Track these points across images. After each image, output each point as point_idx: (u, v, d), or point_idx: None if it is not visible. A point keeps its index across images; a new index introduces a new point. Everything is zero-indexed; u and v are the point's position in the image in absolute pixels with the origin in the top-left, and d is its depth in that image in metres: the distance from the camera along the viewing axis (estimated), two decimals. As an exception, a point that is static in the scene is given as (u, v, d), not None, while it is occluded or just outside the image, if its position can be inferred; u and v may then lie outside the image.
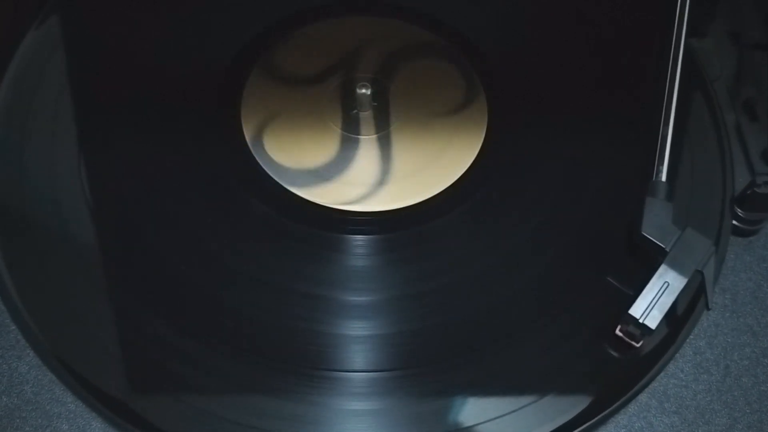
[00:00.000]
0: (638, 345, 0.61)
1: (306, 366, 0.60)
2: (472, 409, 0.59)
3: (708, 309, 0.62)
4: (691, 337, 0.64)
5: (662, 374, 0.62)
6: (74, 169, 0.68)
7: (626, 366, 0.61)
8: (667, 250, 0.60)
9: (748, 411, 0.62)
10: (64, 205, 0.66)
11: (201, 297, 0.63)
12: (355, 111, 0.72)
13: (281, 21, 0.77)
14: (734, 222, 0.68)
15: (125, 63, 0.74)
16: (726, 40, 0.77)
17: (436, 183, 0.69)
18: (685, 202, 0.67)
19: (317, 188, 0.68)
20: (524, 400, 0.59)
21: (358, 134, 0.72)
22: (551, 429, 0.58)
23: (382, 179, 0.69)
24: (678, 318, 0.63)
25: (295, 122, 0.72)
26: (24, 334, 0.61)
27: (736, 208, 0.68)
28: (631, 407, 0.62)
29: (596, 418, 0.59)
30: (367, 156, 0.71)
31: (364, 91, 0.71)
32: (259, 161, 0.69)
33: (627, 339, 0.61)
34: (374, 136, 0.71)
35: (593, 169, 0.70)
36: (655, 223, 0.61)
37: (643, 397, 0.62)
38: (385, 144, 0.71)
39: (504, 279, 0.65)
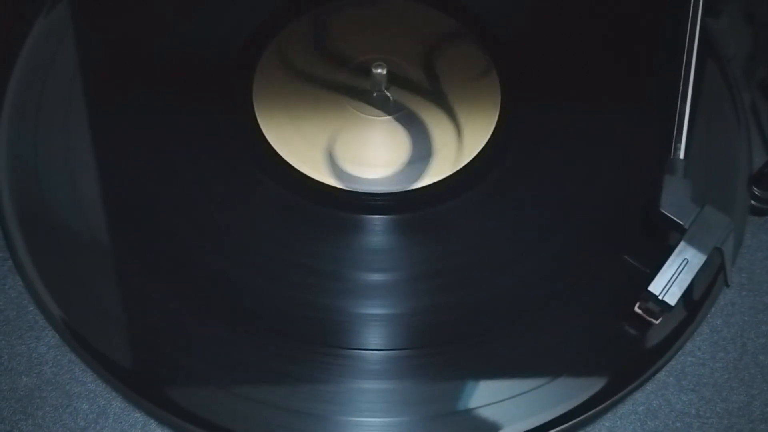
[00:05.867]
0: (657, 322, 0.61)
1: (320, 344, 0.60)
2: (488, 389, 0.59)
3: (727, 286, 0.62)
4: (708, 315, 0.64)
5: (680, 352, 0.62)
6: (88, 155, 0.68)
7: (644, 344, 0.61)
8: (686, 227, 0.60)
9: (765, 388, 0.62)
10: (80, 188, 0.66)
11: (219, 278, 0.63)
12: (370, 91, 0.72)
13: (294, 2, 0.77)
14: (751, 201, 0.68)
15: (135, 47, 0.74)
16: (740, 19, 0.77)
17: (450, 163, 0.69)
18: (702, 181, 0.66)
19: (332, 169, 0.68)
20: (541, 379, 0.60)
21: (373, 115, 0.71)
22: (569, 408, 0.59)
23: (396, 160, 0.69)
24: (696, 296, 0.63)
25: (308, 103, 0.72)
26: (43, 314, 0.62)
27: (753, 187, 0.68)
28: (649, 385, 0.62)
29: (614, 397, 0.59)
30: (382, 137, 0.70)
31: (380, 71, 0.70)
32: (272, 144, 0.69)
33: (646, 316, 0.61)
34: (389, 117, 0.71)
35: (610, 148, 0.70)
36: (674, 201, 0.61)
37: (660, 375, 0.62)
38: (399, 125, 0.71)
39: (520, 258, 0.65)
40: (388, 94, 0.72)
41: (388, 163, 0.69)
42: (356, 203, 0.67)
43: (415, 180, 0.68)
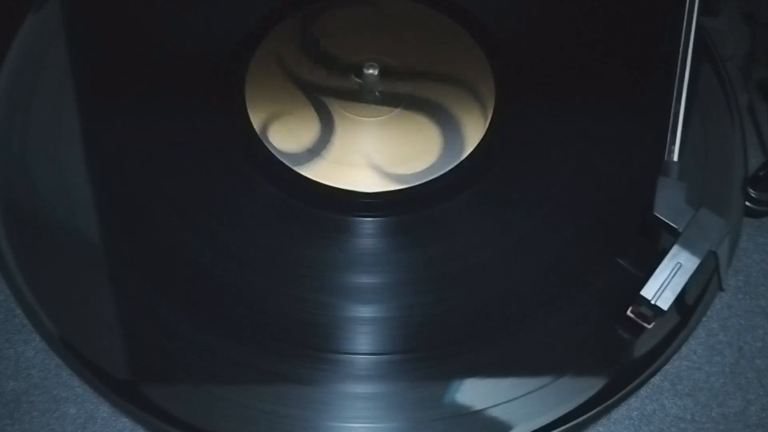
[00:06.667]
0: (650, 326, 0.60)
1: (310, 348, 0.60)
2: (480, 393, 0.59)
3: (721, 290, 0.61)
4: (704, 319, 0.64)
5: (675, 356, 0.62)
6: (78, 154, 0.68)
7: (639, 348, 0.61)
8: (680, 230, 0.59)
9: (761, 393, 0.62)
10: (69, 190, 0.66)
11: (207, 281, 0.62)
12: (362, 92, 0.72)
13: (285, 3, 0.77)
14: (747, 203, 0.67)
15: (126, 47, 0.74)
16: (738, 19, 0.76)
17: (444, 164, 0.68)
18: (698, 183, 0.66)
19: (323, 170, 0.67)
20: (535, 383, 0.59)
21: (365, 115, 0.71)
22: (563, 413, 0.58)
23: (389, 160, 0.68)
24: (690, 300, 0.62)
25: (302, 104, 0.71)
26: (30, 318, 0.61)
27: (748, 189, 0.67)
28: (644, 390, 0.61)
29: (609, 402, 0.59)
30: (373, 137, 0.70)
31: (371, 71, 0.70)
32: (265, 143, 0.68)
33: (639, 320, 0.60)
34: (381, 118, 0.71)
35: (605, 149, 0.69)
36: (668, 204, 0.60)
37: (656, 380, 0.62)
38: (391, 125, 0.70)
39: (514, 262, 0.64)
40: (379, 94, 0.72)
41: (380, 164, 0.68)
42: (348, 203, 0.66)
43: (408, 180, 0.67)
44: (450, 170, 0.68)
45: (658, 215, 0.60)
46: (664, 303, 0.57)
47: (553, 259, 0.64)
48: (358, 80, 0.72)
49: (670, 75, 0.67)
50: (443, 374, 0.59)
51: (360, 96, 0.72)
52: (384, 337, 0.61)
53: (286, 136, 0.69)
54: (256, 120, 0.70)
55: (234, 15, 0.76)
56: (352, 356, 0.60)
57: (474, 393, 0.59)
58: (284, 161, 0.68)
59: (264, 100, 0.71)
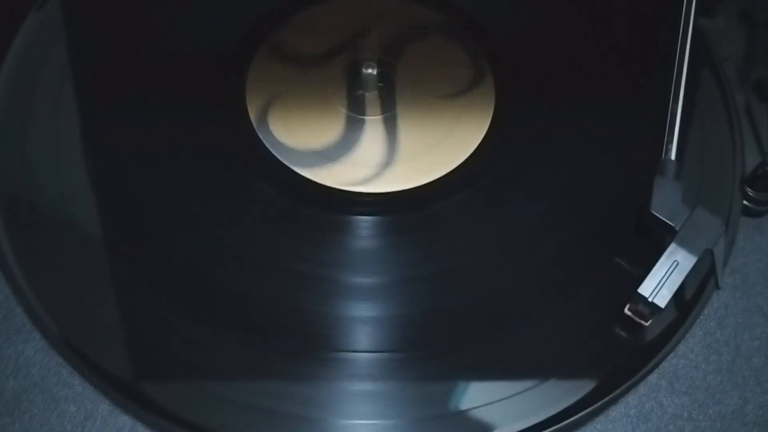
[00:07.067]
0: (647, 324, 0.60)
1: (310, 347, 0.60)
2: (479, 391, 0.59)
3: (718, 288, 0.61)
4: (702, 317, 0.64)
5: (672, 355, 0.62)
6: (78, 154, 0.68)
7: (636, 346, 0.61)
8: (677, 229, 0.59)
9: (758, 391, 0.62)
10: (70, 189, 0.66)
11: (207, 280, 0.63)
12: (360, 92, 0.72)
13: (285, 3, 0.77)
14: (744, 202, 0.68)
15: (127, 45, 0.74)
16: (736, 20, 0.76)
17: (443, 164, 0.68)
18: (695, 182, 0.66)
19: (323, 169, 0.68)
20: (533, 381, 0.59)
21: (364, 115, 0.71)
22: (560, 409, 0.58)
23: (389, 160, 0.69)
24: (688, 298, 0.62)
25: (301, 103, 0.71)
26: (30, 317, 0.61)
27: (746, 188, 0.67)
28: (641, 388, 0.61)
29: (606, 399, 0.59)
30: (373, 137, 0.70)
31: (370, 71, 0.70)
32: (265, 143, 0.69)
33: (636, 318, 0.60)
34: (380, 117, 0.71)
35: (603, 150, 0.69)
36: (665, 202, 0.61)
37: (653, 378, 0.62)
38: (391, 125, 0.71)
39: (511, 261, 0.64)
40: (379, 93, 0.72)
41: (380, 164, 0.69)
42: (348, 203, 0.67)
43: (407, 181, 0.67)
44: (451, 171, 0.68)
45: (654, 213, 0.60)
46: (661, 300, 0.58)
47: (552, 258, 0.64)
48: (357, 79, 0.72)
49: (669, 75, 0.67)
50: (442, 372, 0.60)
51: (360, 95, 0.72)
52: (383, 335, 0.61)
53: (286, 135, 0.70)
54: (256, 119, 0.70)
55: (234, 15, 0.76)
56: (351, 354, 0.60)
57: (472, 390, 0.59)
58: (284, 160, 0.68)
59: (265, 99, 0.71)
